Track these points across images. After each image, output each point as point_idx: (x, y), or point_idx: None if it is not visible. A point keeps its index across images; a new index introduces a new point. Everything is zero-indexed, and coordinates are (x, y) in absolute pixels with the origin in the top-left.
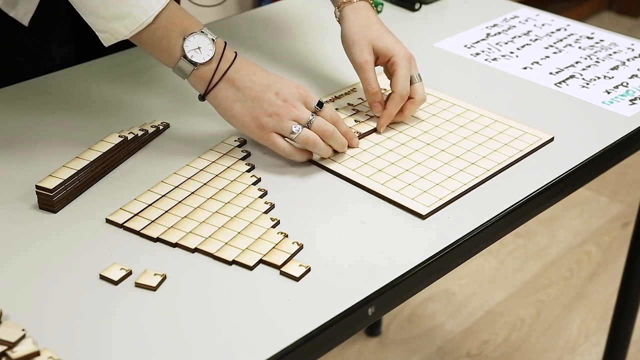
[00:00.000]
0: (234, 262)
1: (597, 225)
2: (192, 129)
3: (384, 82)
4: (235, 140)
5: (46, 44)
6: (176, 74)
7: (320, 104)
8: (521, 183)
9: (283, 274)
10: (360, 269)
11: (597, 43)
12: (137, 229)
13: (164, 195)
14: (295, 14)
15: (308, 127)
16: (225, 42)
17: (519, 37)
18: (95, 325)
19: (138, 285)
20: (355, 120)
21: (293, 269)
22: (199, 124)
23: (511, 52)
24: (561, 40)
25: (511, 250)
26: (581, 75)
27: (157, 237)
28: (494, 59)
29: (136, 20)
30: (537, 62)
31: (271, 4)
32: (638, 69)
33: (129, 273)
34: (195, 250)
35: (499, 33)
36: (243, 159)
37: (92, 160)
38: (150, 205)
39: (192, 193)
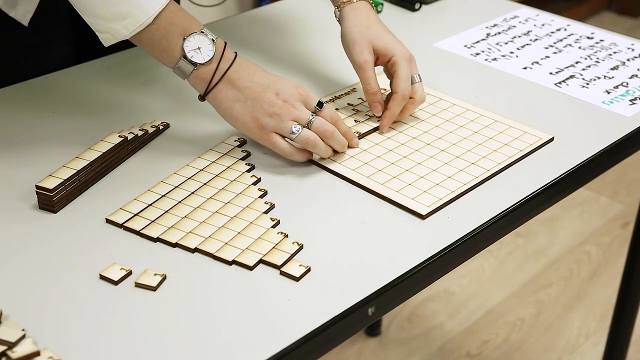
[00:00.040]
0: (234, 262)
1: (597, 225)
2: (192, 129)
3: (383, 82)
4: (235, 140)
5: (46, 44)
6: (176, 74)
7: (320, 104)
8: (521, 183)
9: (283, 274)
10: (360, 269)
11: (597, 43)
12: (137, 229)
13: (164, 195)
14: (295, 14)
15: (308, 127)
16: (225, 43)
17: (519, 37)
18: (95, 325)
19: (138, 285)
20: (355, 120)
21: (293, 269)
22: (199, 124)
23: (511, 52)
24: (561, 40)
25: (511, 250)
26: (581, 75)
27: (157, 237)
28: (494, 59)
29: (136, 20)
30: (537, 62)
31: (271, 4)
32: (638, 69)
33: (129, 273)
34: (195, 250)
35: (499, 33)
36: (243, 159)
37: (92, 160)
38: (150, 205)
39: (192, 193)
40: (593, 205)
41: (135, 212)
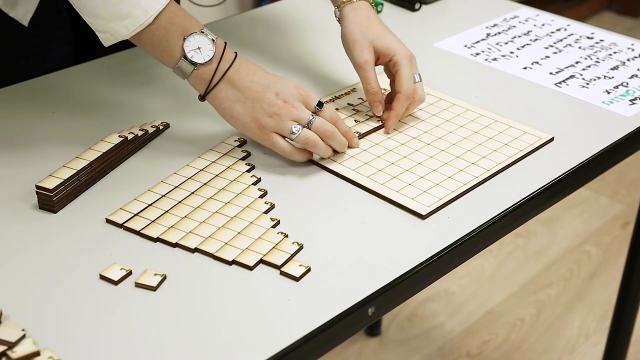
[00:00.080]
0: (234, 262)
1: (597, 225)
2: (192, 129)
3: (383, 81)
4: (235, 140)
5: (46, 44)
6: (176, 74)
7: (320, 104)
8: (521, 183)
9: (283, 274)
10: (360, 269)
11: (597, 43)
12: (137, 229)
13: (164, 195)
14: (295, 14)
15: (308, 127)
16: (225, 43)
17: (519, 37)
18: (95, 325)
19: (138, 285)
20: (355, 120)
21: (293, 269)
22: (199, 124)
23: (511, 52)
24: (561, 40)
25: (511, 250)
26: (581, 75)
27: (157, 237)
28: (494, 59)
29: (136, 20)
30: (537, 62)
31: (271, 4)
32: (638, 69)
33: (129, 273)
34: (195, 250)
35: (499, 33)
36: (243, 159)
37: (92, 160)
38: (150, 205)
39: (192, 193)
40: (593, 205)
41: (135, 212)
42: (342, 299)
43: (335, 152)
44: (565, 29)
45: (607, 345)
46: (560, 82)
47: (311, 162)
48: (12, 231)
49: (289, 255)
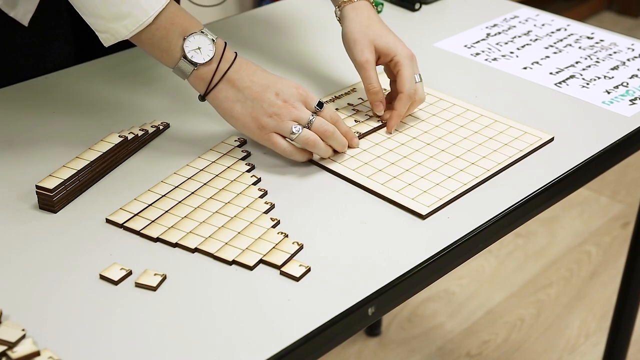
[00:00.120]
0: (234, 262)
1: (597, 225)
2: (192, 129)
3: (383, 81)
4: (235, 140)
5: (46, 44)
6: (176, 74)
7: (320, 104)
8: (521, 183)
9: (283, 274)
10: (360, 269)
11: (597, 43)
12: (137, 229)
13: (164, 195)
14: (295, 14)
15: (308, 128)
16: (226, 43)
17: (519, 37)
18: (95, 325)
19: (138, 285)
20: (355, 120)
21: (293, 269)
22: (199, 124)
23: (511, 52)
24: (561, 40)
25: (511, 250)
26: (581, 75)
27: (157, 237)
28: (494, 59)
29: (136, 20)
30: (537, 62)
31: (271, 4)
32: (638, 69)
33: (129, 273)
34: (195, 250)
35: (499, 33)
36: (243, 159)
37: (92, 160)
38: (150, 205)
39: (192, 193)
40: (593, 205)
41: (135, 212)
42: (342, 299)
43: (335, 152)
44: (565, 29)
45: (607, 345)
46: (560, 82)
47: (311, 162)
48: (12, 231)
49: (289, 255)
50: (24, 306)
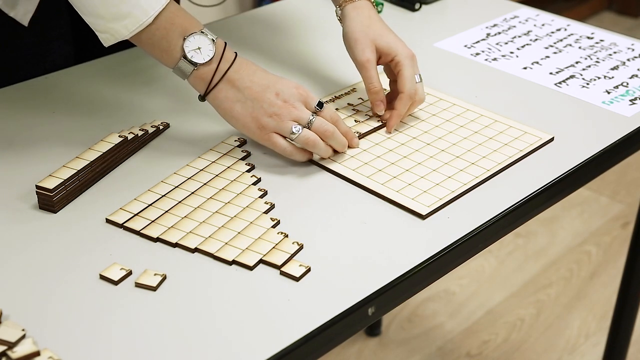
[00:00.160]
0: (234, 262)
1: (597, 225)
2: (192, 129)
3: (383, 81)
4: (235, 140)
5: (46, 44)
6: (176, 74)
7: (320, 104)
8: (521, 183)
9: (283, 274)
10: (360, 269)
11: (597, 43)
12: (137, 229)
13: (164, 195)
14: (295, 14)
15: (308, 128)
16: (226, 43)
17: (519, 37)
18: (95, 325)
19: (138, 285)
20: (355, 120)
21: (293, 269)
22: (199, 124)
23: (511, 52)
24: (561, 40)
25: (511, 250)
26: (581, 75)
27: (157, 237)
28: (494, 59)
29: (136, 20)
30: (537, 62)
31: (271, 4)
32: (638, 69)
33: (129, 273)
34: (195, 250)
35: (499, 33)
36: (243, 159)
37: (92, 160)
38: (150, 205)
39: (192, 193)
40: (593, 205)
41: (135, 212)
42: (342, 299)
43: (335, 152)
44: (565, 29)
45: (607, 345)
46: (560, 82)
47: (311, 162)
48: (12, 231)
49: (289, 255)
50: (24, 306)
